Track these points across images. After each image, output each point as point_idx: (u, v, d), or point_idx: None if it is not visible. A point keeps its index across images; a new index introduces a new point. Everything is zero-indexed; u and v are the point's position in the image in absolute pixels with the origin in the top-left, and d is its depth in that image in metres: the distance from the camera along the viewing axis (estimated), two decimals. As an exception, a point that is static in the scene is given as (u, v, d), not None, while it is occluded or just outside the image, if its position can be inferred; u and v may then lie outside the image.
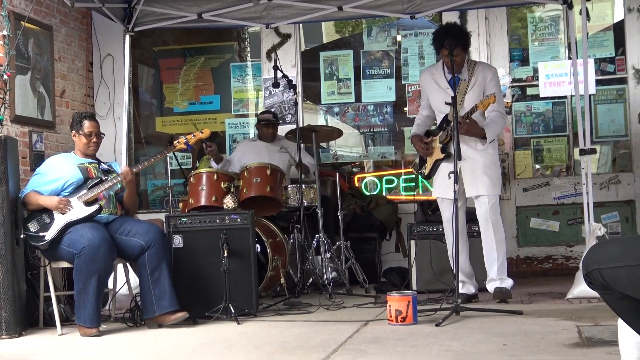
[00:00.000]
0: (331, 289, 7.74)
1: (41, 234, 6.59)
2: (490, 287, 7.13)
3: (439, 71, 7.28)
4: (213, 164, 8.52)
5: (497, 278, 7.08)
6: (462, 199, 7.08)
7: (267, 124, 9.11)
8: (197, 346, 5.76)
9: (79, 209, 6.63)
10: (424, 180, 9.02)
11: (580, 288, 7.07)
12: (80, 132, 6.90)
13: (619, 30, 9.71)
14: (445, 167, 7.04)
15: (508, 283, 7.11)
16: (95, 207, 6.67)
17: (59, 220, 6.58)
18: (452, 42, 6.94)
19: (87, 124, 6.92)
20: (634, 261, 3.24)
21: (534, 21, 9.86)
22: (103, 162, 7.07)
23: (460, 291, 6.80)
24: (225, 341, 5.88)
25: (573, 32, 8.05)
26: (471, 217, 7.31)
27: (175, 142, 7.14)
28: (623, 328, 3.72)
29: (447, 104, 6.81)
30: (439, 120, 7.32)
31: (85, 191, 6.69)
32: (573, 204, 9.44)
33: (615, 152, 10.09)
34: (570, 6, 8.01)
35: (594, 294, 3.70)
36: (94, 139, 6.94)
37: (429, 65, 9.32)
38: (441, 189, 7.21)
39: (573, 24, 8.07)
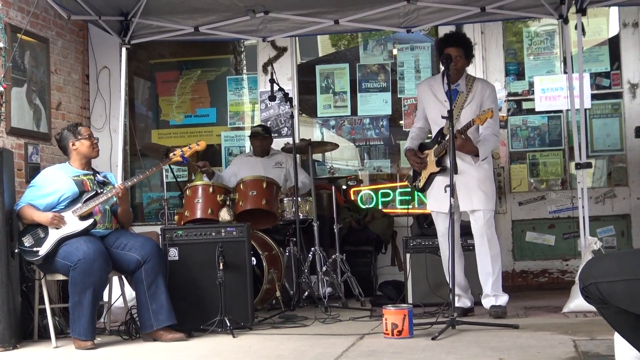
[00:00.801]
0: (327, 302, 7.74)
1: (35, 249, 6.56)
2: (486, 303, 7.11)
3: (438, 83, 7.24)
4: (205, 179, 8.49)
5: (492, 294, 7.07)
6: (457, 213, 7.01)
7: (256, 137, 9.13)
8: (193, 359, 5.75)
9: (73, 223, 6.61)
10: (419, 194, 9.01)
11: (576, 302, 7.07)
12: (80, 137, 6.88)
13: (614, 44, 9.73)
14: (440, 181, 7.03)
15: (503, 300, 7.10)
16: (89, 221, 6.64)
17: (53, 235, 6.56)
18: (447, 56, 6.95)
19: (83, 128, 6.96)
20: (631, 275, 3.24)
21: (530, 35, 9.89)
22: (98, 173, 7.04)
23: (456, 305, 6.74)
24: (220, 354, 5.87)
25: (568, 46, 8.05)
26: (466, 230, 7.29)
27: (170, 154, 7.11)
28: (619, 342, 3.72)
29: (443, 117, 6.80)
30: (434, 133, 7.30)
31: (80, 205, 6.67)
32: (569, 217, 9.42)
33: (611, 166, 10.08)
34: (565, 21, 8.05)
35: (590, 307, 3.71)
36: (95, 141, 6.98)
37: (425, 78, 9.34)
38: (436, 202, 7.18)
39: (568, 39, 8.10)
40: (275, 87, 8.22)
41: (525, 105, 9.97)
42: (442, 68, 7.06)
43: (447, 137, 6.79)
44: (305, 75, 10.44)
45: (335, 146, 8.90)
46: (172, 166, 8.57)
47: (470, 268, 7.31)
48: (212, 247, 6.86)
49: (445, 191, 6.57)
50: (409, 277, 8.03)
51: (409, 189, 9.27)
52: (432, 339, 5.89)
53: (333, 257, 8.41)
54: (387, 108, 10.19)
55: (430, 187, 7.27)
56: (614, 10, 9.82)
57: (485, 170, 7.12)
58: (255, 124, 10.05)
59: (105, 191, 6.77)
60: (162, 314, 6.56)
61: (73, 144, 6.92)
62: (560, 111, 9.74)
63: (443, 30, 9.13)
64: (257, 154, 9.16)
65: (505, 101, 9.70)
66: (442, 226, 7.14)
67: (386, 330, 6.12)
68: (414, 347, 5.69)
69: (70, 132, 6.93)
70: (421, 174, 7.36)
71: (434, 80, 7.46)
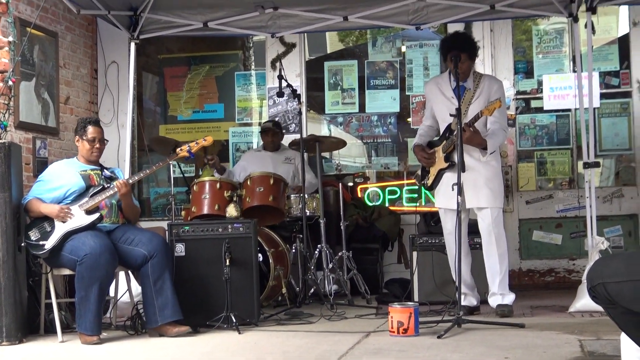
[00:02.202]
0: (333, 299, 7.72)
1: (41, 242, 6.57)
2: (493, 302, 7.11)
3: (445, 81, 7.24)
4: (216, 174, 8.52)
5: (498, 293, 7.06)
6: (465, 211, 7.01)
7: (267, 131, 9.13)
8: (199, 355, 5.75)
9: (79, 218, 6.61)
10: (426, 192, 8.99)
11: (583, 302, 7.05)
12: (84, 138, 6.88)
13: (623, 43, 9.70)
14: (449, 177, 7.01)
15: (510, 298, 7.08)
16: (96, 215, 6.65)
17: (60, 229, 6.57)
18: (456, 54, 6.93)
19: (91, 129, 6.89)
20: (639, 276, 3.23)
21: (539, 34, 9.87)
22: (106, 168, 7.05)
23: (462, 303, 6.72)
24: (226, 350, 5.87)
25: (578, 45, 7.99)
26: (473, 229, 7.28)
27: (177, 149, 7.10)
28: (626, 342, 3.71)
29: (451, 115, 6.78)
30: (442, 130, 7.29)
31: (86, 199, 6.68)
32: (576, 217, 9.41)
33: (619, 166, 10.03)
34: (575, 19, 8.01)
35: (597, 307, 3.72)
36: (97, 145, 6.92)
37: (433, 76, 9.30)
38: (444, 199, 7.15)
39: (578, 37, 8.05)
40: (284, 83, 8.17)
41: (534, 104, 9.95)
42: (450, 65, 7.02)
43: (455, 133, 6.78)
44: (314, 71, 10.43)
45: (343, 143, 8.89)
46: (179, 161, 8.56)
47: (477, 266, 7.29)
48: (219, 243, 6.87)
49: (453, 189, 6.54)
50: (415, 275, 8.02)
51: (416, 187, 9.24)
52: (438, 337, 5.89)
53: (339, 254, 8.40)
54: (395, 105, 10.19)
55: (439, 184, 7.24)
56: (623, 9, 9.77)
57: (493, 167, 7.10)
58: (263, 120, 10.08)
59: (112, 185, 6.76)
60: (168, 309, 6.56)
61: (78, 140, 6.96)
62: (569, 110, 9.73)
63: (452, 28, 9.14)
64: (267, 149, 9.16)
65: (513, 99, 9.69)
66: (449, 224, 7.12)
67: (392, 328, 6.10)
68: (420, 345, 5.69)
69: (79, 128, 6.94)
70: (430, 172, 7.34)
71: (441, 78, 7.45)
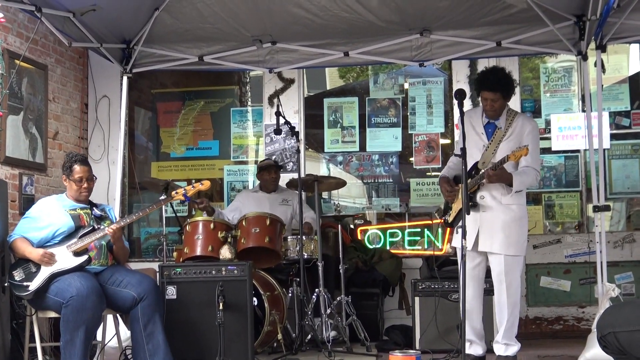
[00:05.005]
0: (330, 346, 7.59)
1: (25, 283, 6.43)
2: (496, 350, 6.93)
3: (478, 115, 7.10)
4: (205, 216, 8.42)
5: (502, 342, 6.87)
6: (482, 254, 6.87)
7: (268, 169, 8.99)
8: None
9: (67, 259, 6.49)
10: (429, 234, 8.84)
11: (593, 351, 6.79)
12: (70, 178, 6.75)
13: (634, 83, 9.70)
14: (469, 218, 6.75)
15: (513, 350, 6.88)
16: (84, 258, 6.52)
17: (45, 270, 6.44)
18: (461, 93, 6.67)
19: (77, 169, 6.75)
20: (653, 325, 3.13)
21: (547, 72, 9.85)
22: (96, 206, 6.91)
23: (467, 351, 6.62)
24: (218, 401, 5.70)
25: (587, 84, 7.98)
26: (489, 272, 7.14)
27: (173, 193, 7.01)
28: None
29: (455, 155, 6.76)
30: (469, 166, 7.06)
31: (75, 240, 6.55)
32: (585, 262, 9.27)
33: (630, 210, 10.03)
34: (584, 57, 7.96)
35: (608, 358, 3.71)
36: (85, 185, 6.77)
37: (437, 114, 9.42)
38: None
39: (587, 76, 8.02)
40: (281, 120, 8.11)
41: (542, 144, 9.66)
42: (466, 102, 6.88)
43: (481, 172, 6.72)
44: (313, 108, 10.41)
45: (342, 183, 8.76)
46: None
47: (486, 314, 7.16)
48: (212, 286, 6.75)
49: (457, 232, 6.49)
50: (417, 322, 7.90)
51: (419, 229, 9.09)
52: (441, 387, 5.76)
53: (338, 299, 8.28)
54: (397, 144, 10.15)
55: (459, 222, 7.02)
56: (634, 48, 9.87)
57: (512, 212, 6.86)
58: (259, 158, 10.06)
59: (102, 227, 6.64)
60: (159, 355, 6.44)
61: (65, 180, 6.84)
62: (578, 151, 9.71)
63: (456, 65, 9.12)
64: (264, 190, 9.04)
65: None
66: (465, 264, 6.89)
67: (393, 377, 5.97)
68: (424, 397, 5.53)
69: (65, 167, 6.81)
70: (452, 208, 7.19)
71: (474, 112, 7.31)
